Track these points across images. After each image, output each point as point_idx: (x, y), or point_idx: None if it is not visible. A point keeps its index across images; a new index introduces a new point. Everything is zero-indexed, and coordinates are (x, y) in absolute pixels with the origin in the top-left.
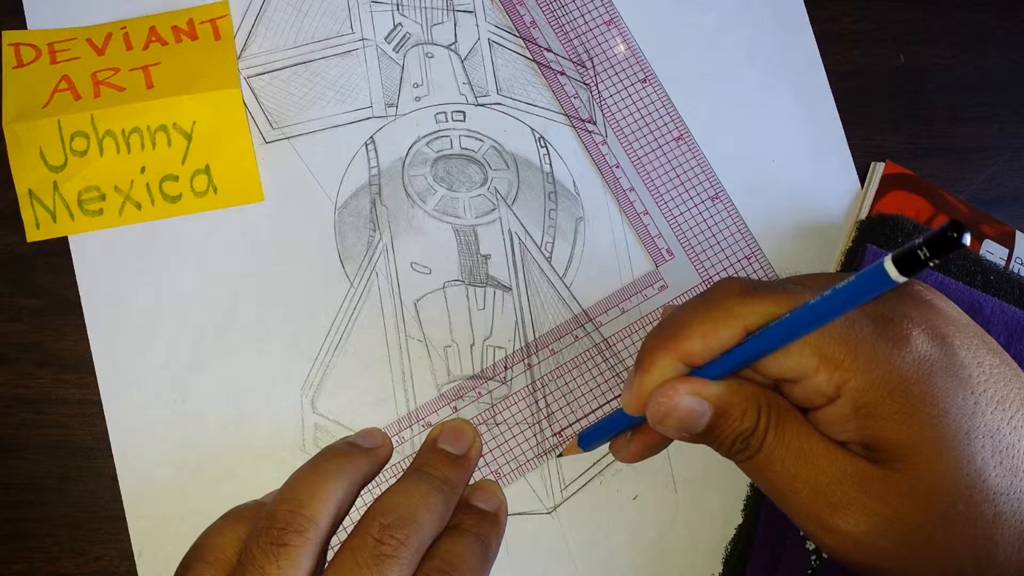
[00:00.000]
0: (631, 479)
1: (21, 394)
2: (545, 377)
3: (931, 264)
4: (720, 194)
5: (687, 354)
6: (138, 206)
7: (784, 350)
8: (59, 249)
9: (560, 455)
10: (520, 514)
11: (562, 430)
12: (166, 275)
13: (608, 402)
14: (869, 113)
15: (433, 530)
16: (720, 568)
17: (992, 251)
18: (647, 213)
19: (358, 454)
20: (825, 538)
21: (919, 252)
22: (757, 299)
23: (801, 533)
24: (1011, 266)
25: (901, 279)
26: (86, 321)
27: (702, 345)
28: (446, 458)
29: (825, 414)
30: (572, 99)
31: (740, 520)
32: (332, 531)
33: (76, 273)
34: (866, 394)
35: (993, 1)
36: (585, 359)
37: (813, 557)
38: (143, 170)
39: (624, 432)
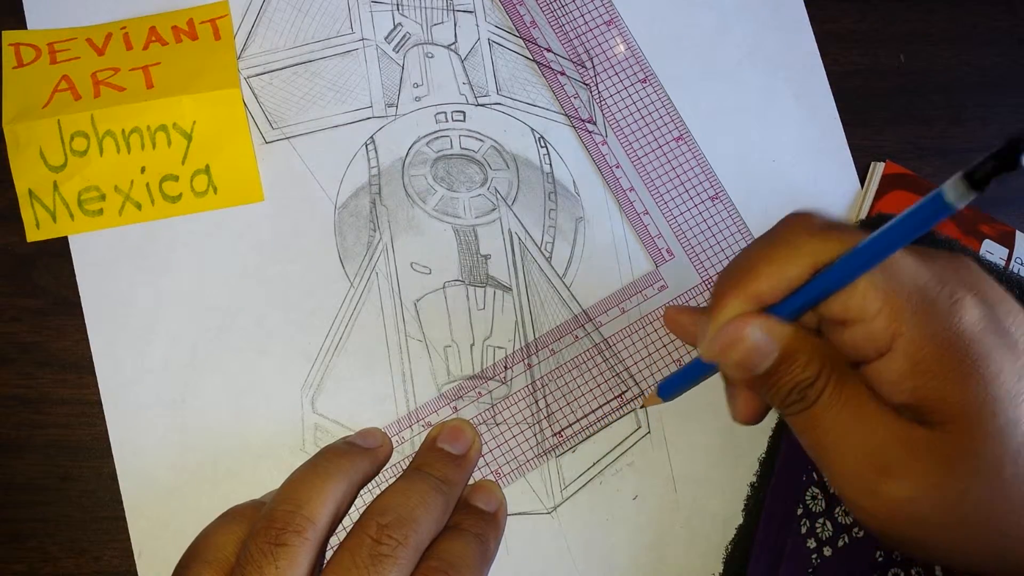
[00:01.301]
0: (631, 479)
1: (21, 394)
2: (545, 377)
3: (1000, 176)
4: (720, 194)
5: (757, 294)
6: (138, 206)
7: (850, 288)
8: (59, 249)
9: (641, 406)
10: (520, 514)
11: (562, 430)
12: (166, 275)
13: (608, 401)
14: (869, 113)
15: (431, 530)
16: (720, 568)
17: (992, 251)
18: (647, 213)
19: (358, 454)
20: (867, 503)
21: (988, 164)
22: (823, 235)
23: (803, 531)
24: (1011, 266)
25: (971, 195)
26: (86, 321)
27: (771, 283)
28: (446, 458)
29: (878, 370)
30: (572, 99)
31: (740, 520)
32: (331, 531)
33: (76, 273)
34: (923, 349)
35: (993, 1)
36: (585, 359)
37: (814, 556)
38: (143, 170)
39: (727, 388)
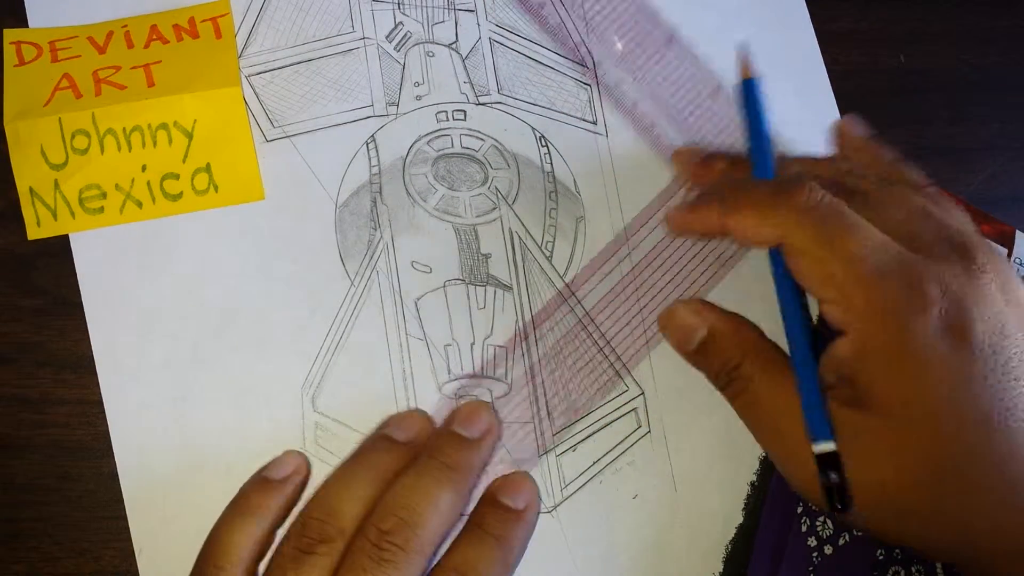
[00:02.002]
0: (631, 478)
1: (21, 394)
2: (545, 376)
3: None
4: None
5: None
6: (139, 204)
7: (811, 275)
8: (59, 249)
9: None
10: None
11: (562, 428)
12: (167, 273)
13: (611, 399)
14: (869, 113)
15: (441, 524)
16: (720, 568)
17: None
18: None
19: (395, 450)
20: (807, 484)
21: None
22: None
23: (804, 529)
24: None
25: None
26: (87, 320)
27: None
28: (458, 441)
29: (835, 343)
30: (574, 99)
31: (741, 519)
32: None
33: (77, 271)
34: (872, 341)
35: (993, 1)
36: (586, 359)
37: (815, 554)
38: (144, 168)
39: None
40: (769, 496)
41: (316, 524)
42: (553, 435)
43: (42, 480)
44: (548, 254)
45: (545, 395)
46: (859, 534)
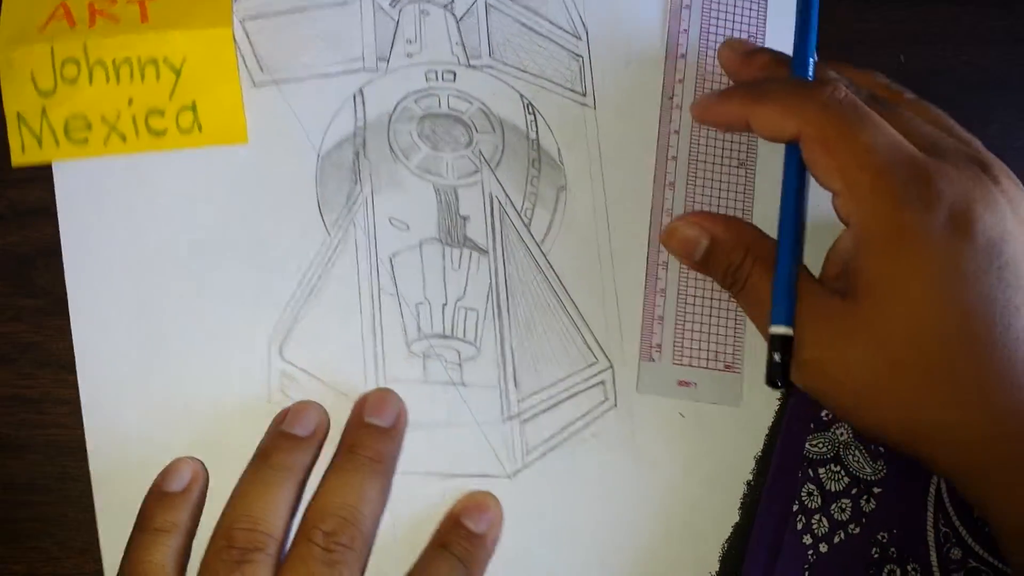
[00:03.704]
0: (595, 450)
1: (21, 394)
2: (515, 342)
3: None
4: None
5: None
6: (123, 138)
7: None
8: (59, 249)
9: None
10: (481, 476)
11: (528, 395)
12: (144, 209)
13: (579, 370)
14: None
15: (375, 516)
16: (717, 566)
17: None
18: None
19: (297, 449)
20: (796, 370)
21: None
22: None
23: (799, 527)
24: None
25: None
26: (61, 250)
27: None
28: (376, 433)
29: (842, 237)
30: (565, 69)
31: (737, 518)
32: (288, 534)
33: (56, 200)
34: (869, 228)
35: (993, 1)
36: (556, 328)
37: (810, 552)
38: (130, 102)
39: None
40: (765, 495)
41: (243, 534)
42: (518, 401)
43: (42, 480)
44: (527, 221)
45: (513, 361)
46: (854, 532)
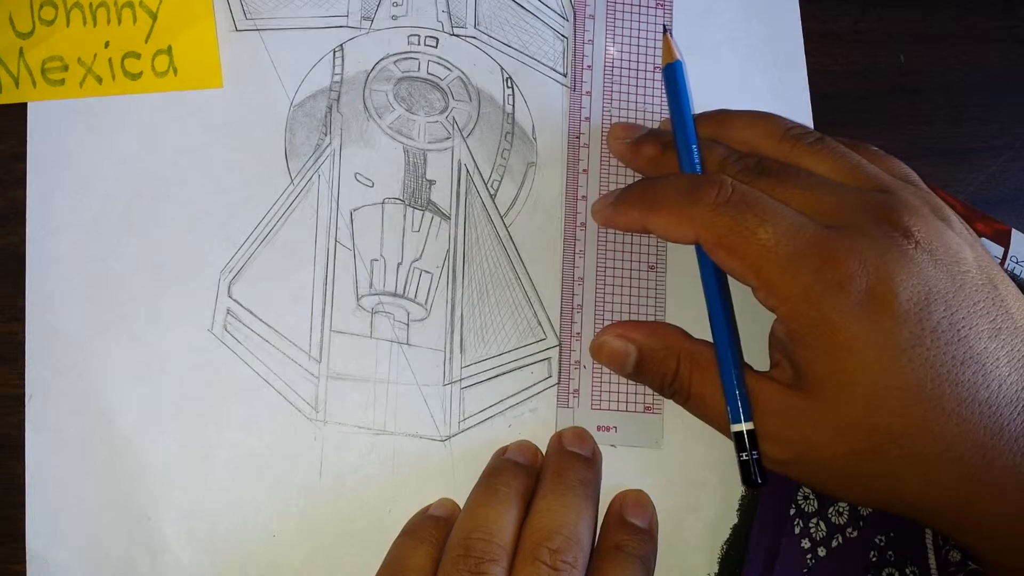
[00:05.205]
0: (530, 424)
1: (21, 394)
2: (466, 309)
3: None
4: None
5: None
6: (99, 80)
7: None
8: None
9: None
10: (414, 436)
11: (473, 363)
12: (113, 142)
13: (527, 344)
14: (869, 113)
15: (591, 540)
16: (716, 568)
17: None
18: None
19: (524, 473)
20: (765, 462)
21: None
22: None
23: (797, 531)
24: (1006, 264)
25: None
26: (27, 177)
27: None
28: (582, 460)
29: (772, 328)
30: (548, 48)
31: (735, 520)
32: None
33: (28, 136)
34: (797, 321)
35: (993, 1)
36: (509, 300)
37: (809, 556)
38: (107, 45)
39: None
40: (762, 498)
41: (480, 544)
42: (462, 368)
43: None
44: (493, 192)
45: (461, 327)
46: (852, 536)
